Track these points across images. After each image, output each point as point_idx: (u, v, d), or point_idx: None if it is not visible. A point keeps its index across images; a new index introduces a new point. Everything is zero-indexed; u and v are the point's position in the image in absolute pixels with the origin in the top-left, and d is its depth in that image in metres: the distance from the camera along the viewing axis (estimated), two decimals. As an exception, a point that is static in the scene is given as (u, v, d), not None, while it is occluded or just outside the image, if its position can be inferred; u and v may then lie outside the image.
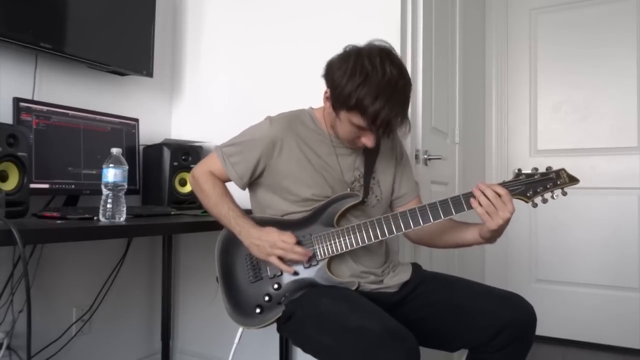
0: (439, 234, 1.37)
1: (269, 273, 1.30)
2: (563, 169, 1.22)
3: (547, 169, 1.23)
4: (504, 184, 1.21)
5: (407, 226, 1.24)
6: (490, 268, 3.14)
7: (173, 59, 2.35)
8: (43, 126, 1.63)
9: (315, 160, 1.34)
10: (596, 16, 2.91)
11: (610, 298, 2.81)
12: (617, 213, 2.82)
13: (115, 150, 1.38)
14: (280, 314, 1.27)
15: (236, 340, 1.42)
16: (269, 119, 1.37)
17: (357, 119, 1.21)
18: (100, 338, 2.03)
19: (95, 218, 1.37)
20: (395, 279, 1.35)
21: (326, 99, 1.28)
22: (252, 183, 1.39)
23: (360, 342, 1.06)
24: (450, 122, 2.34)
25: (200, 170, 1.41)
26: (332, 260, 1.29)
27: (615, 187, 2.83)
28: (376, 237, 1.25)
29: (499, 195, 1.17)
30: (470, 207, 1.20)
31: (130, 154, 1.91)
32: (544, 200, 1.22)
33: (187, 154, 1.97)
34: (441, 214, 1.22)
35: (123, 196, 1.36)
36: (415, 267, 1.41)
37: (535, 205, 1.22)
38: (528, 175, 1.22)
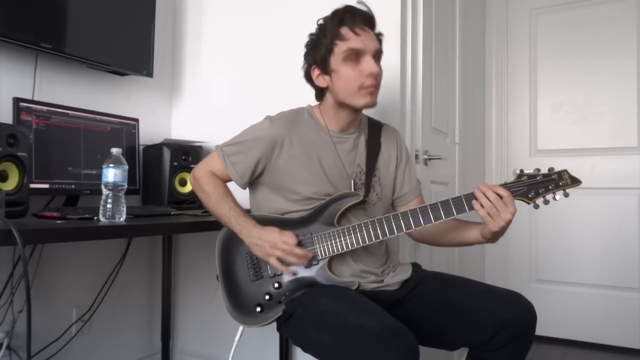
0: (441, 233, 1.37)
1: (269, 272, 1.30)
2: (565, 170, 1.21)
3: (549, 170, 1.22)
4: (505, 185, 1.20)
5: (407, 226, 1.23)
6: (490, 268, 3.14)
7: (173, 59, 2.35)
8: (43, 126, 1.63)
9: (316, 157, 1.34)
10: (596, 16, 2.91)
11: (610, 298, 2.81)
12: (617, 213, 2.82)
13: (115, 150, 1.38)
14: (280, 313, 1.27)
15: (236, 339, 1.42)
16: (269, 118, 1.37)
17: (341, 41, 1.27)
18: (100, 338, 2.03)
19: (95, 218, 1.37)
20: (395, 278, 1.35)
21: (317, 76, 1.34)
22: (252, 182, 1.39)
23: (360, 341, 1.06)
24: (450, 122, 2.34)
25: (201, 170, 1.41)
26: (332, 260, 1.29)
27: (616, 187, 2.83)
28: (377, 236, 1.25)
29: (501, 197, 1.16)
30: (471, 208, 1.19)
31: (130, 154, 1.91)
32: (546, 202, 1.21)
33: (187, 154, 1.97)
34: (442, 215, 1.21)
35: (123, 196, 1.36)
36: (416, 266, 1.41)
37: (537, 206, 1.22)
38: (530, 176, 1.21)
